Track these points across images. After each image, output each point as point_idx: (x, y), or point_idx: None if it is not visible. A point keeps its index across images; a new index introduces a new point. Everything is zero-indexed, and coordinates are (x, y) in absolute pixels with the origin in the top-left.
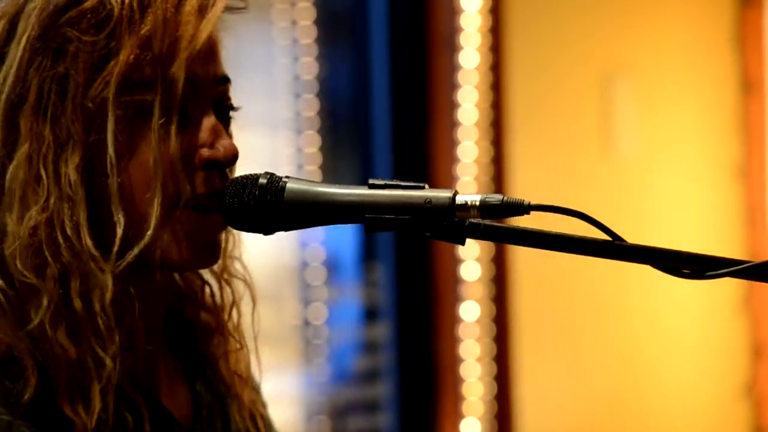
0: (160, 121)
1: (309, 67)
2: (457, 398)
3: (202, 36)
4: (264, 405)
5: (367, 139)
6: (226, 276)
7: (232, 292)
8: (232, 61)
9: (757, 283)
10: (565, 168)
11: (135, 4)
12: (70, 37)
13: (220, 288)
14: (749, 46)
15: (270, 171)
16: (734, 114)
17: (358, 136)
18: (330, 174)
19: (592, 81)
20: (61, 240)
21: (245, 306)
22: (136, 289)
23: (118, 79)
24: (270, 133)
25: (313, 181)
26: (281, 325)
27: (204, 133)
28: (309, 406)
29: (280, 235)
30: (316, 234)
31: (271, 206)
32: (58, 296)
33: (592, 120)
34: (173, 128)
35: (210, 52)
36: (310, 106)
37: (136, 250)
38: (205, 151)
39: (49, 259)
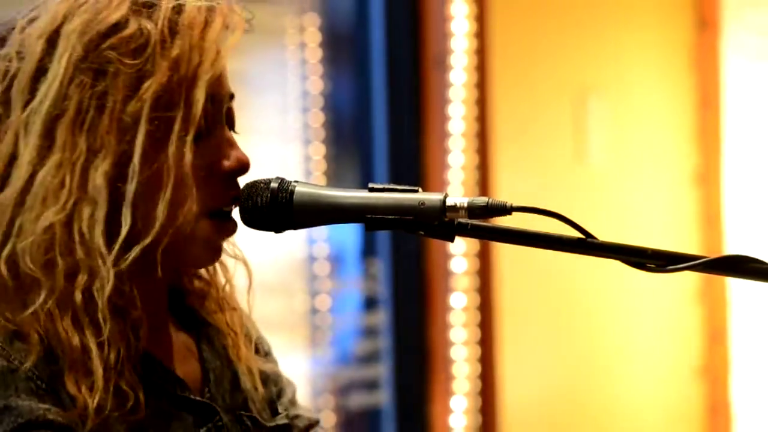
0: (180, 136)
1: (316, 84)
2: (447, 378)
3: (223, 61)
4: (273, 361)
5: (367, 148)
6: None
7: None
8: (251, 80)
9: (713, 275)
10: (542, 174)
11: (166, 31)
12: (111, 58)
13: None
14: (706, 65)
15: (281, 176)
16: (693, 127)
17: (359, 146)
18: (334, 179)
19: (567, 98)
20: (76, 237)
21: (244, 296)
22: (142, 285)
23: (152, 98)
24: (281, 143)
25: (320, 186)
26: (291, 313)
27: (222, 146)
28: (315, 384)
29: (290, 233)
30: (322, 232)
31: (282, 207)
32: (62, 289)
33: (566, 132)
34: (189, 141)
35: (224, 73)
36: (317, 119)
37: (137, 249)
38: (225, 163)
39: (58, 256)
